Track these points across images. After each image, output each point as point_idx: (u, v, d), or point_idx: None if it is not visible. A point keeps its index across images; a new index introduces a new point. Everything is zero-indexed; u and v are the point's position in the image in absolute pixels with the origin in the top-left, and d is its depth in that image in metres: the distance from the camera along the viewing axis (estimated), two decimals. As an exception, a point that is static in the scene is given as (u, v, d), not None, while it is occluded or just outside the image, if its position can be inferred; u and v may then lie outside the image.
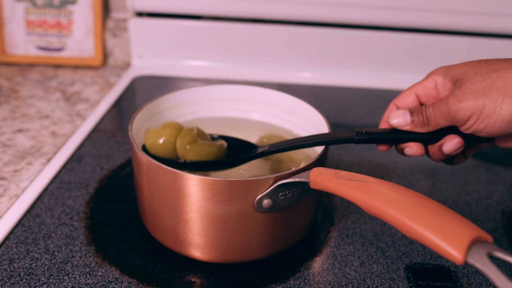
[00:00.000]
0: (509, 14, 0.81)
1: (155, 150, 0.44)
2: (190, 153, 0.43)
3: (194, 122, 0.56)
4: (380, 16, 0.83)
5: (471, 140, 0.41)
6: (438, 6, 0.81)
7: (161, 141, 0.44)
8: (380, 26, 0.84)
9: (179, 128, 0.45)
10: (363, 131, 0.42)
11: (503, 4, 0.80)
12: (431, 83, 0.42)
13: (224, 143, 0.46)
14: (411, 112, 0.41)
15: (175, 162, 0.44)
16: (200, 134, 0.45)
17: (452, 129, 0.40)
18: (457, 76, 0.39)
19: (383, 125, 0.44)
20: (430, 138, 0.41)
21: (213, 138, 0.47)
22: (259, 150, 0.46)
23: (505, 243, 0.49)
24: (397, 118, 0.41)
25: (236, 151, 0.47)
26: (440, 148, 0.41)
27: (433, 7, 0.81)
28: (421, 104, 0.44)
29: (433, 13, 0.82)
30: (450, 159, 0.44)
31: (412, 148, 0.42)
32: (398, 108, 0.44)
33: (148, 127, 0.51)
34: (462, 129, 0.39)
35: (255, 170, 0.49)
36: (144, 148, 0.45)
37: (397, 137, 0.42)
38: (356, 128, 0.43)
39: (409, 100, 0.44)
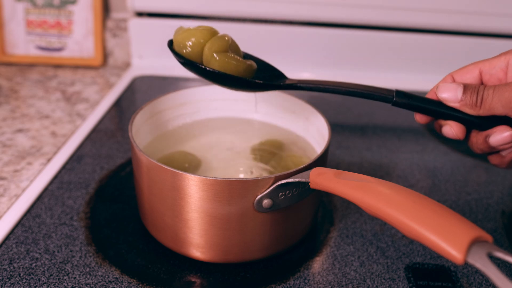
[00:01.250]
0: (509, 14, 0.81)
1: (181, 48, 0.41)
2: (215, 62, 0.40)
3: (194, 122, 0.56)
4: (380, 16, 0.83)
5: None
6: (438, 6, 0.81)
7: (190, 42, 0.40)
8: (380, 26, 0.84)
9: (213, 33, 0.41)
10: (405, 94, 0.38)
11: (503, 4, 0.80)
12: (502, 63, 0.37)
13: (254, 64, 0.42)
14: (465, 88, 0.36)
15: (196, 65, 0.40)
16: (233, 47, 0.42)
17: (506, 121, 0.36)
18: None
19: (430, 95, 0.39)
20: (477, 123, 0.36)
21: (245, 56, 0.44)
22: (287, 82, 0.42)
23: (505, 243, 0.49)
24: (447, 91, 0.36)
25: (264, 76, 0.43)
26: (486, 138, 0.36)
27: (433, 7, 0.81)
28: (482, 84, 0.38)
29: (433, 13, 0.82)
30: (493, 156, 0.38)
31: (452, 128, 0.37)
32: (454, 81, 0.38)
33: (148, 127, 0.51)
34: None
35: (256, 169, 0.49)
36: (170, 43, 0.43)
37: (440, 110, 0.37)
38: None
39: (470, 75, 0.38)
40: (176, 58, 0.41)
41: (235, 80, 0.40)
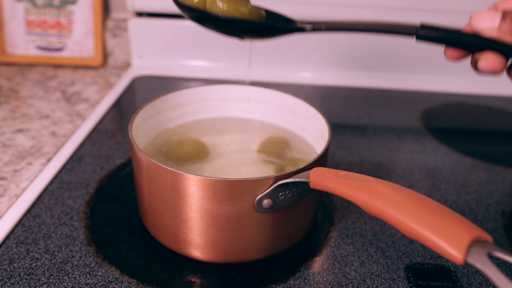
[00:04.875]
0: (509, 14, 0.81)
1: None
2: (217, 8, 0.37)
3: (194, 122, 0.56)
4: (380, 16, 0.82)
5: None
6: (438, 6, 0.81)
7: None
8: (380, 26, 0.84)
9: None
10: (431, 26, 0.33)
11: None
12: None
13: (262, 12, 0.40)
14: (504, 14, 0.31)
15: (199, 12, 0.38)
16: None
17: None
18: None
19: (467, 30, 0.34)
20: None
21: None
22: (298, 25, 0.39)
23: (505, 243, 0.49)
24: (483, 19, 0.32)
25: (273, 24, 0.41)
26: None
27: (433, 7, 0.81)
28: None
29: (433, 13, 0.82)
30: None
31: (488, 61, 0.32)
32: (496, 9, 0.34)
33: (148, 127, 0.51)
34: None
35: (257, 171, 0.49)
36: None
37: (473, 42, 0.32)
38: None
39: None
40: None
41: (239, 24, 0.38)
